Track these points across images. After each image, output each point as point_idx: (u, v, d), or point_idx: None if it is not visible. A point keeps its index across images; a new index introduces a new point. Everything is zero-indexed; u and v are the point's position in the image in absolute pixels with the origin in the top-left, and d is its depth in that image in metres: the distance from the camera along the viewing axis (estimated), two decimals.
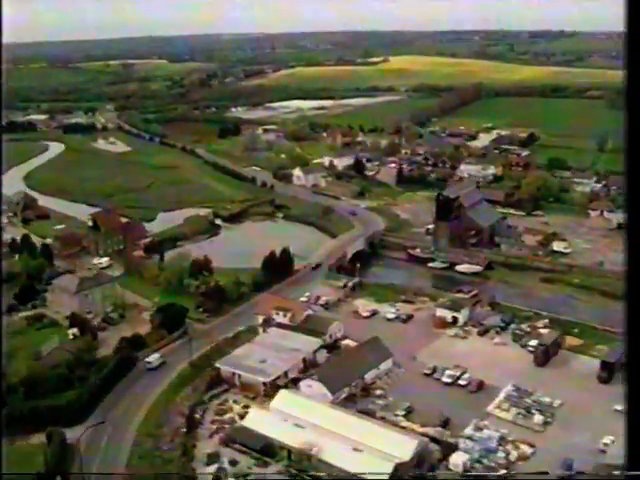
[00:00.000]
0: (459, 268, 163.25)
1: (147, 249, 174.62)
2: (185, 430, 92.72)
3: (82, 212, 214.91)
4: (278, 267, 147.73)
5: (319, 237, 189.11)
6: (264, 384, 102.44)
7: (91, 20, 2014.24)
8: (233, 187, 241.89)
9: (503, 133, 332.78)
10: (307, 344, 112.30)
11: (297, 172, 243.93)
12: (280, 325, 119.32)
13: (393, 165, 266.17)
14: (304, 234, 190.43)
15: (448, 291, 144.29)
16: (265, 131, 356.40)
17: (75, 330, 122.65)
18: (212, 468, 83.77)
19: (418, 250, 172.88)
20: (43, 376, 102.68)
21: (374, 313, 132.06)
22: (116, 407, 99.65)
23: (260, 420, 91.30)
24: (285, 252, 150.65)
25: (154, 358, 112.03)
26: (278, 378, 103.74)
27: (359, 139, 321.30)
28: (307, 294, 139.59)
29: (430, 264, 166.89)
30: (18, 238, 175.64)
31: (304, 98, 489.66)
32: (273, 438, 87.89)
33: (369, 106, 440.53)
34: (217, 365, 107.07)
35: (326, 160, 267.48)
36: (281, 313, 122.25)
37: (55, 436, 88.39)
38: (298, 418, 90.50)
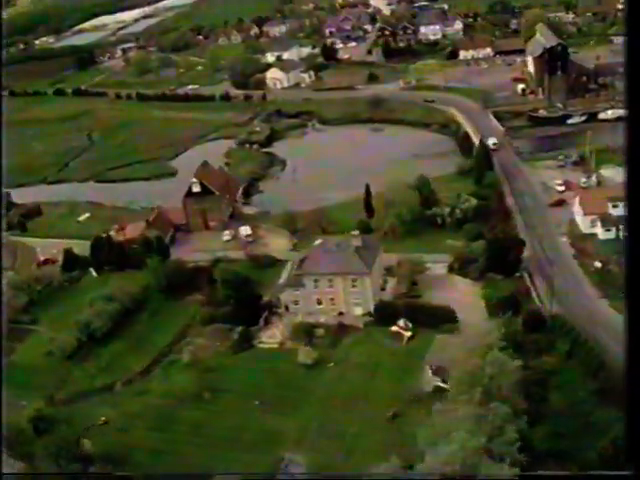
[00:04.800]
0: (602, 116, 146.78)
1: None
2: None
3: (57, 194, 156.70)
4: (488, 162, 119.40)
5: (413, 130, 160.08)
6: None
7: None
8: (210, 111, 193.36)
9: None
10: None
11: (274, 74, 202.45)
12: None
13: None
14: (394, 131, 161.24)
15: None
16: (125, 51, 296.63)
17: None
18: None
19: (542, 111, 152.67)
20: None
21: None
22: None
23: None
24: (483, 145, 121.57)
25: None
26: None
27: (255, 31, 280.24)
28: (558, 181, 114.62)
29: (569, 121, 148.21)
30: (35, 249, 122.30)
31: (104, 13, 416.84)
32: None
33: (200, 2, 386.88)
34: None
35: (269, 57, 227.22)
36: (620, 204, 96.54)
37: None
38: None
